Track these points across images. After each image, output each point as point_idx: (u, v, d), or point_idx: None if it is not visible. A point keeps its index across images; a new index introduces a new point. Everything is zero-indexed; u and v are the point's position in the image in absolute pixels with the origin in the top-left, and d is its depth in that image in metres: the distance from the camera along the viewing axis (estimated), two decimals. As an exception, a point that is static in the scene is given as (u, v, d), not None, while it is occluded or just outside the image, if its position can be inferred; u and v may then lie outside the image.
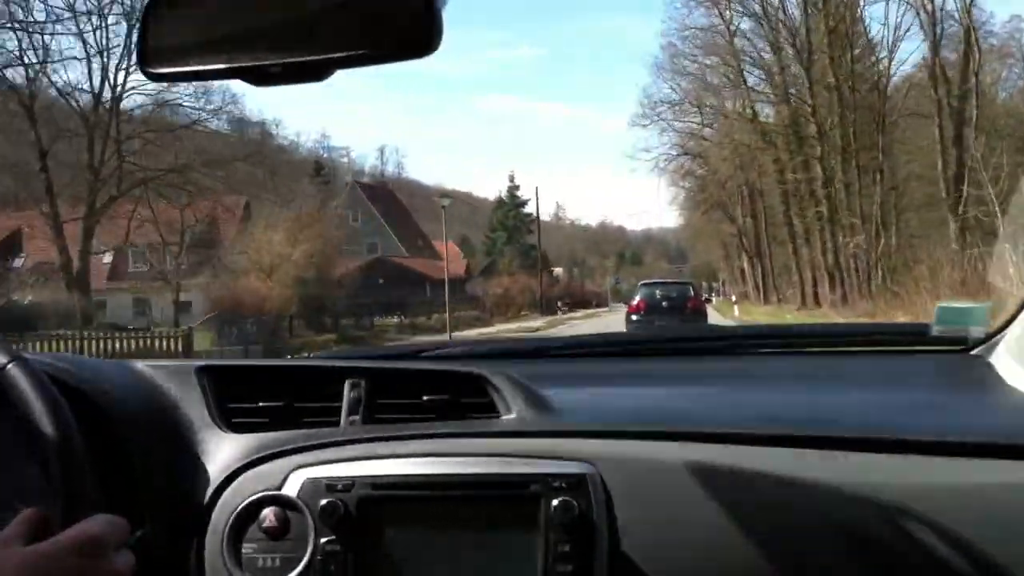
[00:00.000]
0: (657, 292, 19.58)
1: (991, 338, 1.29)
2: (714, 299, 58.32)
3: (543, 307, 43.06)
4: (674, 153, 46.82)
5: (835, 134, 31.77)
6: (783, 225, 40.67)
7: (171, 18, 0.74)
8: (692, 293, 20.00)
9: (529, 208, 66.00)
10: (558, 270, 74.26)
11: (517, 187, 67.76)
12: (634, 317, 18.77)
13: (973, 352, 1.32)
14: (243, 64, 0.70)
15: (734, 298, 37.12)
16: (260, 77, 0.70)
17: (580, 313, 51.84)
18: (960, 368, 1.31)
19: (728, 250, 62.92)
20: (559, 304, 43.55)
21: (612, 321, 31.55)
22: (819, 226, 33.90)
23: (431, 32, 0.67)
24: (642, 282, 22.36)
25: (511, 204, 66.79)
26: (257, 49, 0.70)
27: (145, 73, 0.73)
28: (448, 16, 0.67)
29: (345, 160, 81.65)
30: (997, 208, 20.20)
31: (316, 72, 0.69)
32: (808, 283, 36.89)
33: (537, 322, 35.45)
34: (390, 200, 63.21)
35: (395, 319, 34.15)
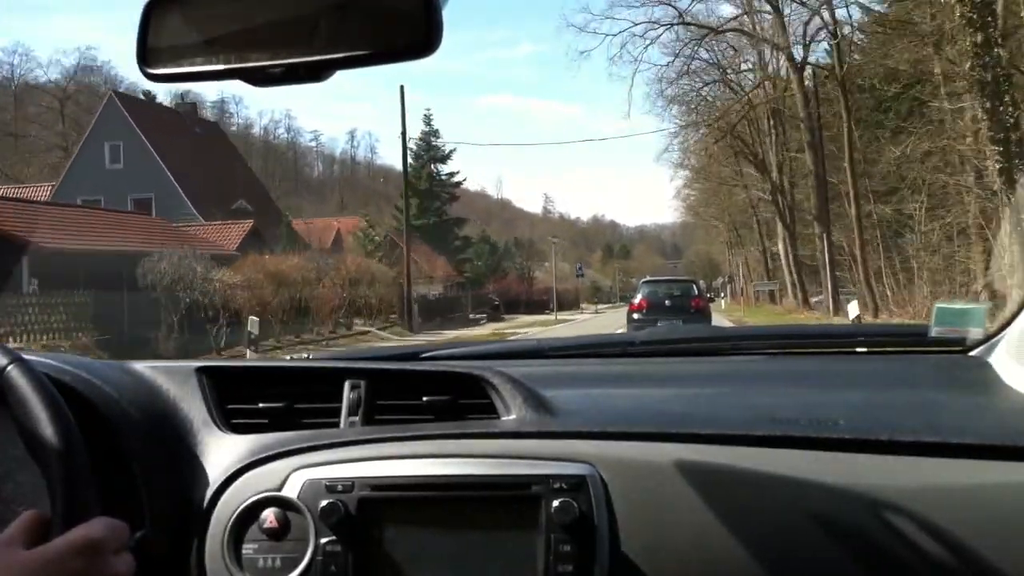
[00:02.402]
0: (659, 290, 19.06)
1: (990, 339, 1.29)
2: (722, 301, 46.06)
3: (410, 318, 25.32)
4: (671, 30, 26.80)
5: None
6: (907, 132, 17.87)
7: (171, 19, 0.74)
8: (696, 292, 19.47)
9: (454, 165, 42.01)
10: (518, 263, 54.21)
11: (435, 132, 42.70)
12: (635, 316, 18.37)
13: (972, 353, 1.32)
14: (243, 65, 0.70)
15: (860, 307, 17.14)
16: (260, 78, 0.70)
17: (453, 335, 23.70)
18: (959, 369, 1.31)
19: (739, 233, 45.80)
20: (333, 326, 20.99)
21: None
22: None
23: (431, 32, 0.67)
24: (643, 279, 21.73)
25: (425, 157, 44.21)
26: (257, 50, 0.70)
27: (144, 74, 0.74)
28: (446, 16, 0.67)
29: (313, 144, 70.39)
30: None
31: (316, 73, 0.69)
32: (1008, 268, 8.04)
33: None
34: (197, 133, 38.94)
35: None
